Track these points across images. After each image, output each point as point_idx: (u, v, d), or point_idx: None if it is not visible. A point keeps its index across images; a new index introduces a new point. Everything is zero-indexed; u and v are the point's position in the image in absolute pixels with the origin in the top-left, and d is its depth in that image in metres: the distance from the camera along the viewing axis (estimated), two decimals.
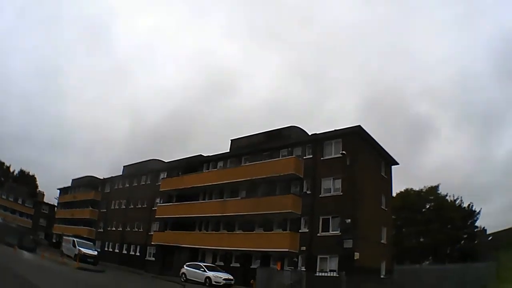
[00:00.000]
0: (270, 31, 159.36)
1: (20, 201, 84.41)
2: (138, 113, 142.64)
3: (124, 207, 53.06)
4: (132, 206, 51.39)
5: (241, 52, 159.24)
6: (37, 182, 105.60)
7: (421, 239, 51.37)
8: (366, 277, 23.90)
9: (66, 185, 73.34)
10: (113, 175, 58.65)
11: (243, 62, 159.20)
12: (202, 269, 29.45)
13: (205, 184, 37.68)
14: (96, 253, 37.25)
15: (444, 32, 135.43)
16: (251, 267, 31.53)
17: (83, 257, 33.43)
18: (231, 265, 33.60)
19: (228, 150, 39.23)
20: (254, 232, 32.27)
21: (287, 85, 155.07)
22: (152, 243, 42.59)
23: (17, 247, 33.82)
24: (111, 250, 52.72)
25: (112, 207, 56.06)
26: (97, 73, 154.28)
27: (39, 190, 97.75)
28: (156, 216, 43.41)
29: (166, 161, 49.37)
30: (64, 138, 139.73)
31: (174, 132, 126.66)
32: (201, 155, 41.97)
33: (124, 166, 59.23)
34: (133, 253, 47.99)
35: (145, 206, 48.54)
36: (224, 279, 28.01)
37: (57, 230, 69.75)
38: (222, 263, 33.96)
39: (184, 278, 30.36)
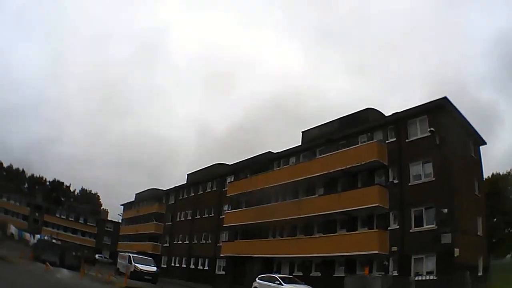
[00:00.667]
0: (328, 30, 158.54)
1: (81, 220, 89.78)
2: (201, 121, 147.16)
3: (190, 218, 54.47)
4: (198, 216, 52.63)
5: (304, 52, 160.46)
6: (101, 200, 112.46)
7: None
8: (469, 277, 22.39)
9: (130, 200, 77.05)
10: (177, 185, 60.47)
11: (305, 62, 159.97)
12: (277, 282, 27.72)
13: (277, 184, 37.18)
14: (155, 269, 35.87)
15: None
16: (334, 275, 30.52)
17: (139, 274, 32.81)
18: (311, 274, 32.63)
19: (300, 144, 38.89)
20: (336, 234, 31.18)
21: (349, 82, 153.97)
22: (221, 255, 43.18)
23: (58, 264, 33.37)
24: (177, 265, 54.21)
25: (178, 219, 57.78)
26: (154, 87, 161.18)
27: (103, 208, 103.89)
28: (224, 225, 44.03)
29: (230, 163, 50.01)
30: (128, 155, 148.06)
31: (241, 134, 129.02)
32: (270, 152, 41.95)
33: (188, 175, 61.04)
34: (201, 267, 49.00)
35: (212, 214, 49.46)
36: None
37: (121, 248, 72.88)
38: (300, 273, 33.18)
39: None
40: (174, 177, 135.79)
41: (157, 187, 67.51)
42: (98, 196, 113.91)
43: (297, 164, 36.87)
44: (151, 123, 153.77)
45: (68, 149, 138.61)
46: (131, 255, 37.60)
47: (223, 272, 44.13)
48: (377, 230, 28.19)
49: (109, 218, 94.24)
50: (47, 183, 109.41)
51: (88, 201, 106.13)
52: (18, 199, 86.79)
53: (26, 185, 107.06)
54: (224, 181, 48.71)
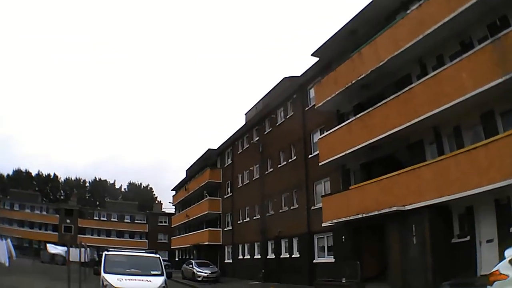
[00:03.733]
0: None
1: (127, 219, 74.27)
2: None
3: (257, 176, 34.63)
4: (270, 169, 32.67)
5: None
6: (154, 193, 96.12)
7: None
8: None
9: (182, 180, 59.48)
10: (232, 134, 40.44)
11: None
12: None
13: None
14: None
15: None
16: None
17: None
18: None
19: None
20: None
21: None
22: (324, 224, 22.42)
23: None
24: (247, 256, 35.31)
25: (240, 184, 38.26)
26: None
27: (158, 201, 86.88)
28: (321, 163, 23.21)
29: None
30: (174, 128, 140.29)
31: None
32: None
33: (246, 114, 41.10)
34: (287, 255, 28.82)
35: (294, 157, 29.11)
36: None
37: (175, 244, 56.76)
38: None
39: None
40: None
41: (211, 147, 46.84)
42: (151, 188, 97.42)
43: None
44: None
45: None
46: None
47: (330, 257, 23.54)
48: None
49: (165, 211, 76.40)
50: (87, 184, 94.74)
51: (139, 196, 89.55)
52: (44, 208, 72.74)
53: (62, 191, 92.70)
54: (305, 93, 28.09)
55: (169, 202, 63.20)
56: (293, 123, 29.54)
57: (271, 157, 32.47)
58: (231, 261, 38.23)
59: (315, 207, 25.34)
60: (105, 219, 73.57)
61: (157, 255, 15.92)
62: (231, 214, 39.34)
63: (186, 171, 57.69)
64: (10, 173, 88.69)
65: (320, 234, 24.98)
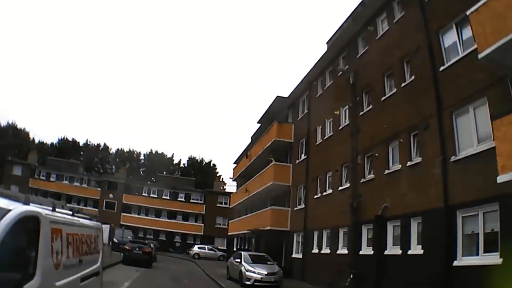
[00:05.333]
0: None
1: (182, 197, 65.76)
2: None
3: (347, 121, 23.07)
4: (368, 107, 20.96)
5: None
6: (217, 170, 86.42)
7: None
8: None
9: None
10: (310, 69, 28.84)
11: None
12: None
13: None
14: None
15: None
16: None
17: None
18: None
19: None
20: None
21: None
22: (504, 179, 10.57)
23: None
24: (326, 251, 23.66)
25: (319, 139, 26.82)
26: None
27: (221, 179, 76.59)
28: (484, 53, 11.22)
29: None
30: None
31: None
32: None
33: (328, 42, 29.54)
34: (397, 250, 16.49)
35: (412, 78, 17.24)
36: None
37: (232, 230, 45.84)
38: None
39: None
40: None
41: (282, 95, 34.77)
42: (214, 165, 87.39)
43: None
44: None
45: None
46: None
47: (493, 255, 11.85)
48: None
49: (228, 190, 65.91)
50: (141, 157, 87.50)
51: (199, 173, 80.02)
52: (85, 180, 64.64)
53: (112, 165, 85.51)
54: None
55: (230, 178, 53.12)
56: (405, 28, 18.08)
57: (369, 88, 20.72)
58: (300, 255, 26.78)
59: (459, 157, 13.55)
60: (155, 196, 64.64)
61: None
62: (305, 186, 27.78)
63: (252, 137, 47.34)
64: (55, 141, 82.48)
65: (469, 210, 12.98)
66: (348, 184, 21.46)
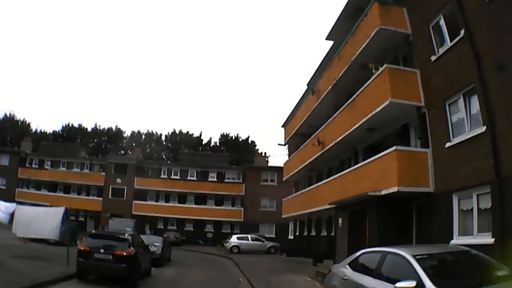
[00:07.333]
0: None
1: (212, 177, 54.60)
2: None
3: None
4: None
5: None
6: (257, 147, 73.60)
7: None
8: None
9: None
10: None
11: None
12: None
13: None
14: None
15: None
16: None
17: None
18: None
19: None
20: None
21: None
22: None
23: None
24: None
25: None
26: None
27: (264, 154, 62.49)
28: None
29: None
30: None
31: None
32: None
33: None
34: None
35: None
36: None
37: (288, 211, 33.84)
38: None
39: None
40: None
41: None
42: (253, 141, 74.98)
43: None
44: None
45: None
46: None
47: None
48: None
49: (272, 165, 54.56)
50: (163, 139, 76.27)
51: (235, 150, 67.19)
52: (87, 164, 54.54)
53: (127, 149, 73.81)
54: None
55: (279, 144, 39.58)
56: None
57: None
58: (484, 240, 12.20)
59: None
60: (178, 177, 53.05)
61: None
62: (473, 90, 13.17)
63: (308, 84, 33.06)
64: (59, 129, 71.92)
65: None
66: None
